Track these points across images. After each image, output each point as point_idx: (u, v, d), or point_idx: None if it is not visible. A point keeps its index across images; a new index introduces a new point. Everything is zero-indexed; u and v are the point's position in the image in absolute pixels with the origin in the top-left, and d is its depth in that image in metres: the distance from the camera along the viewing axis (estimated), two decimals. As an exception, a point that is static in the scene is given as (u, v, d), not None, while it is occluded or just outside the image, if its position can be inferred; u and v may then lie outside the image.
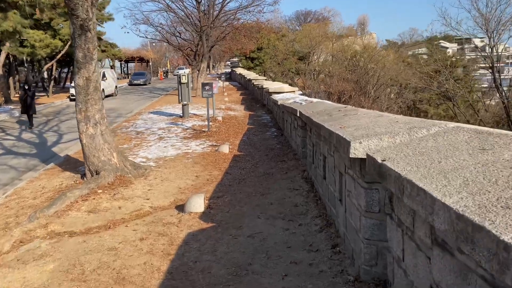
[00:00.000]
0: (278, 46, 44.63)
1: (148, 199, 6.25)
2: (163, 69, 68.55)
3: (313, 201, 5.50)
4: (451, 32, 21.37)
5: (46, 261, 4.20)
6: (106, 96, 28.73)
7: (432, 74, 20.97)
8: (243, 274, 3.57)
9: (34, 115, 15.98)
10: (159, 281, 3.58)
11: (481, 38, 25.93)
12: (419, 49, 58.79)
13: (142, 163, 8.41)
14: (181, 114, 16.05)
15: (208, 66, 65.30)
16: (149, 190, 6.70)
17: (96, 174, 7.21)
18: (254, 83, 25.75)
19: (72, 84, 27.74)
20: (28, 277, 3.87)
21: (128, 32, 56.26)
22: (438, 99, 28.55)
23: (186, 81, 15.44)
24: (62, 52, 27.46)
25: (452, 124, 2.97)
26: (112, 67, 60.12)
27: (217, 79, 41.47)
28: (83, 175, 7.59)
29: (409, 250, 2.34)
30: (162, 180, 7.27)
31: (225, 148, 9.38)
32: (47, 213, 5.77)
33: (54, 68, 30.67)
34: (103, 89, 27.82)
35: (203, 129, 12.80)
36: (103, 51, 49.40)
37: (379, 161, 2.45)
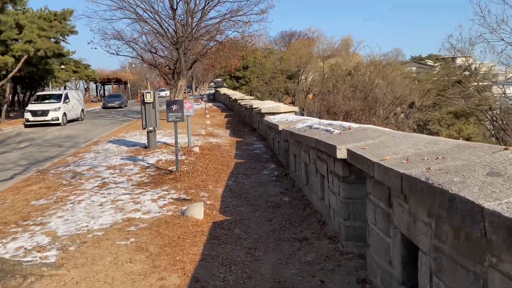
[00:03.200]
0: (265, 64, 41.28)
1: None
2: (143, 91, 64.50)
3: None
4: (488, 35, 17.79)
5: None
6: (70, 121, 24.49)
7: (478, 89, 17.46)
8: None
9: None
10: None
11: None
12: (410, 68, 56.77)
13: (33, 255, 4.34)
14: (146, 144, 12.09)
15: (190, 87, 61.63)
16: None
17: None
18: (241, 103, 22.03)
19: (28, 108, 23.54)
20: None
21: (95, 48, 51.97)
22: (451, 118, 25.37)
23: (151, 101, 11.55)
24: (15, 70, 23.30)
25: None
26: (87, 89, 56.00)
27: (200, 100, 37.69)
28: None
29: None
30: (49, 310, 3.24)
31: (198, 210, 5.40)
32: None
33: (8, 89, 26.36)
34: (64, 113, 23.74)
35: (170, 168, 8.83)
36: (74, 71, 45.40)
37: None
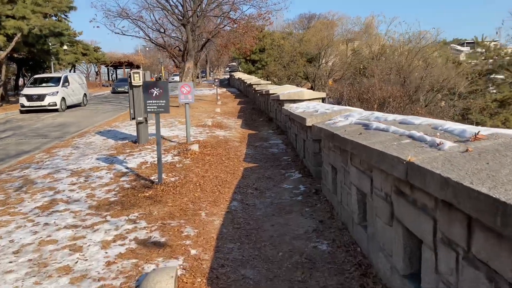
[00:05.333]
0: (284, 46, 38.26)
1: None
2: (156, 75, 62.22)
3: None
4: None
5: None
6: (70, 107, 22.20)
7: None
8: None
9: None
10: None
11: None
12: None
13: None
14: (136, 138, 9.64)
15: (204, 71, 58.96)
16: None
17: None
18: (256, 89, 19.37)
19: (23, 92, 21.26)
20: None
21: (98, 27, 49.71)
22: (495, 107, 22.22)
23: (140, 83, 9.04)
24: (8, 49, 21.09)
25: None
26: (98, 73, 54.09)
27: (213, 85, 35.31)
28: None
29: None
30: None
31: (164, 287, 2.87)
32: None
33: (3, 71, 24.22)
34: (63, 97, 21.43)
35: (153, 176, 6.33)
36: (83, 54, 43.25)
37: None
